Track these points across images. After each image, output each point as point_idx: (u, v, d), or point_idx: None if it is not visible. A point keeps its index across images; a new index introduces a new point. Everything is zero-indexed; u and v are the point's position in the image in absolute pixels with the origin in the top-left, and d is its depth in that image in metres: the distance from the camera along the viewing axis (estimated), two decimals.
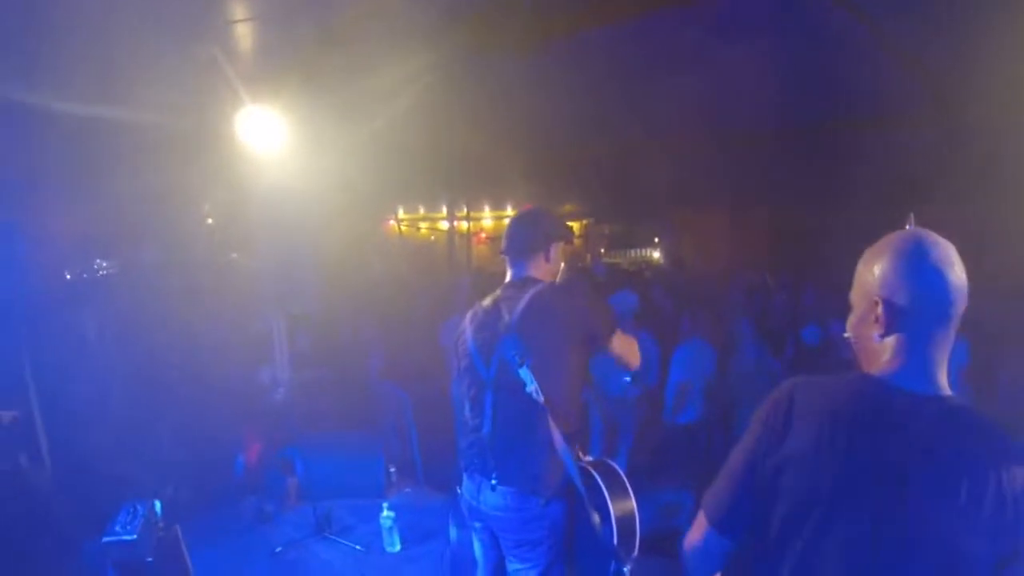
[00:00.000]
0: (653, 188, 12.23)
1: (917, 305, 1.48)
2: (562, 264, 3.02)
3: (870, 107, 7.66)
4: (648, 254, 17.36)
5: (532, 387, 2.58)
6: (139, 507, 3.73)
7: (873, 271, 1.55)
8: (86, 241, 6.75)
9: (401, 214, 15.14)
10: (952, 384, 1.52)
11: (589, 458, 2.84)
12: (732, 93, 7.45)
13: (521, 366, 2.62)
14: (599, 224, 18.02)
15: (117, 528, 3.59)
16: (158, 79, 5.05)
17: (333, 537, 5.17)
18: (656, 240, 17.11)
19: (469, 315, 2.95)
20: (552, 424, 2.55)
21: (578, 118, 8.58)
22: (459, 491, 2.97)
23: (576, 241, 17.30)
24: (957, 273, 1.48)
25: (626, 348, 2.87)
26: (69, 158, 5.50)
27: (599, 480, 2.63)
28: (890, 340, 1.52)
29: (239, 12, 5.10)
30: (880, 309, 1.51)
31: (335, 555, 5.02)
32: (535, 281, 2.84)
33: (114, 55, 4.61)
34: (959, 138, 6.81)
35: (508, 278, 2.94)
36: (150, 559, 3.57)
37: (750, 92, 7.32)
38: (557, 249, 2.96)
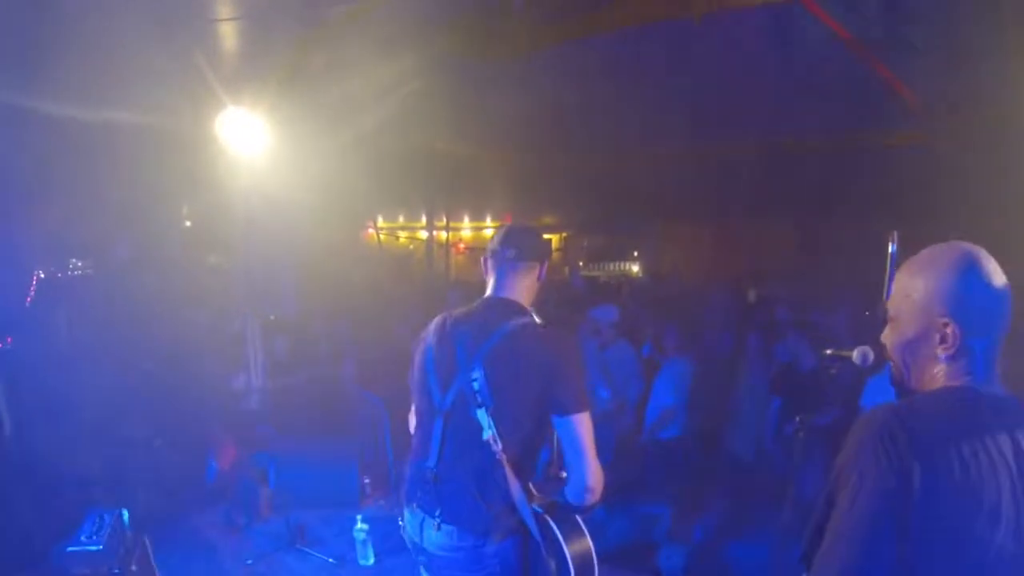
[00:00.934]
0: (633, 201, 12.28)
1: (986, 321, 1.47)
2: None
3: (855, 121, 7.71)
4: (627, 267, 17.37)
5: (490, 433, 2.36)
6: (106, 516, 3.61)
7: (930, 288, 1.50)
8: (61, 240, 6.63)
9: (380, 222, 15.03)
10: None
11: (540, 499, 2.51)
12: (714, 106, 7.49)
13: (480, 407, 2.38)
14: (578, 237, 18.03)
15: (82, 538, 3.47)
16: (137, 78, 4.99)
17: (306, 549, 5.06)
18: (635, 254, 17.14)
19: (435, 324, 2.65)
20: (509, 474, 2.36)
21: (559, 131, 8.59)
22: (400, 523, 2.68)
23: (554, 254, 17.42)
24: (1006, 283, 1.48)
25: (586, 437, 2.38)
26: (44, 156, 5.40)
27: (554, 526, 2.39)
28: (960, 356, 1.47)
29: (222, 11, 5.03)
30: (950, 329, 1.46)
31: (308, 568, 4.91)
32: (518, 309, 2.54)
33: (92, 53, 4.54)
34: (946, 152, 6.87)
35: (488, 291, 2.63)
36: (116, 571, 3.45)
37: (732, 105, 7.37)
38: (546, 271, 2.69)
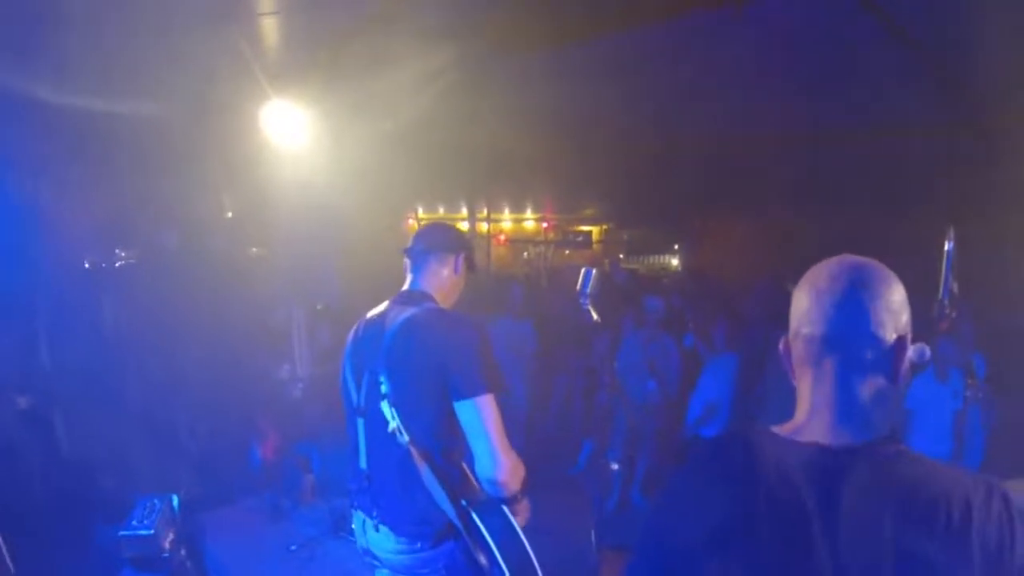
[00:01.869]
0: (674, 194, 12.17)
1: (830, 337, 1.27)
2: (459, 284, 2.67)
3: (901, 113, 7.54)
4: (667, 260, 17.26)
5: (394, 425, 2.30)
6: (156, 502, 3.67)
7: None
8: (106, 230, 6.75)
9: (421, 213, 15.10)
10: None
11: (473, 491, 2.36)
12: (757, 98, 7.38)
13: (383, 399, 2.33)
14: (618, 229, 17.95)
15: (134, 522, 3.54)
16: (184, 72, 5.05)
17: (349, 536, 5.10)
18: (675, 247, 17.01)
19: (355, 327, 2.63)
20: (420, 467, 2.27)
21: (601, 122, 8.53)
22: (352, 528, 2.64)
23: (595, 246, 17.35)
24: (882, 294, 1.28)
25: (488, 422, 2.24)
26: (91, 148, 5.50)
27: (478, 521, 2.28)
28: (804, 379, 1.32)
29: (266, 5, 5.08)
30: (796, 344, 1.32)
31: (350, 554, 4.94)
32: (420, 298, 2.50)
33: (140, 47, 4.60)
34: (989, 150, 6.70)
35: (404, 285, 2.62)
36: (166, 555, 3.52)
37: (776, 97, 7.25)
38: (463, 265, 2.63)
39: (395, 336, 2.35)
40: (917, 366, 2.32)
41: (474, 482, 2.36)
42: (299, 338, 6.42)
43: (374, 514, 2.44)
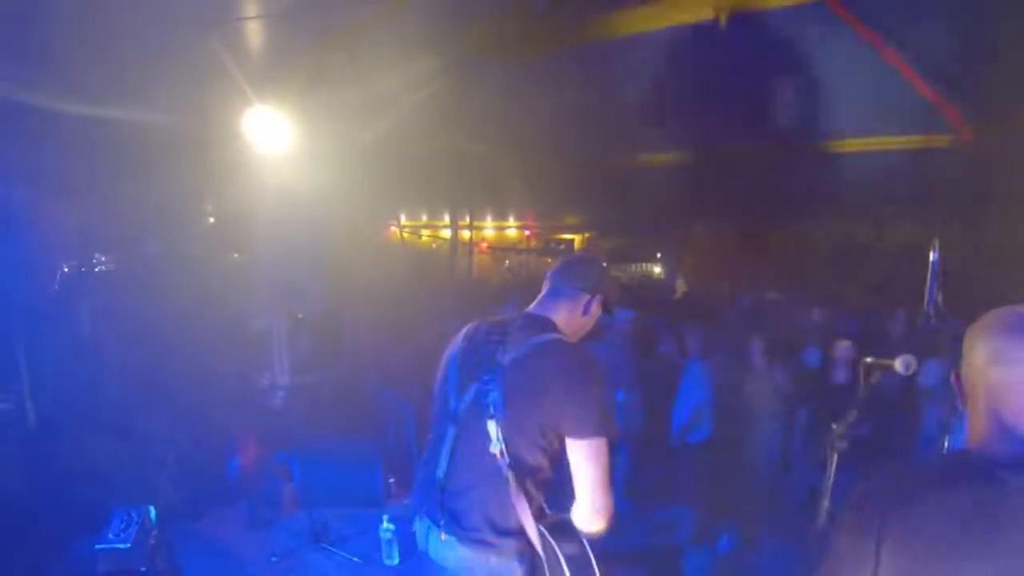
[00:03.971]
0: (656, 203, 12.21)
1: None
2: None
3: (881, 126, 7.62)
4: (649, 269, 17.31)
5: (498, 447, 2.32)
6: (133, 514, 3.61)
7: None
8: (85, 235, 6.68)
9: (403, 220, 15.07)
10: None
11: (552, 518, 2.42)
12: (736, 108, 7.42)
13: (491, 418, 2.34)
14: (600, 238, 17.98)
15: (110, 535, 3.47)
16: (163, 76, 5.01)
17: (330, 547, 5.04)
18: (658, 255, 17.07)
19: (467, 328, 2.66)
20: (514, 490, 2.30)
21: (582, 131, 8.55)
22: (414, 530, 2.68)
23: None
24: None
25: (595, 466, 2.28)
26: (71, 152, 5.43)
27: (555, 547, 2.29)
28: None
29: (248, 9, 5.05)
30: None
31: (332, 566, 4.88)
32: (550, 326, 2.51)
33: (117, 51, 4.56)
34: (976, 159, 6.76)
35: (532, 306, 2.65)
36: (144, 568, 3.45)
37: (755, 108, 7.30)
38: (597, 307, 2.65)
39: (519, 360, 2.38)
40: (904, 377, 2.33)
41: (547, 509, 2.41)
42: (279, 346, 6.37)
43: (442, 523, 2.44)
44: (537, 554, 2.33)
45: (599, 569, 2.32)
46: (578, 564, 2.28)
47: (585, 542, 2.34)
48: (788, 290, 10.05)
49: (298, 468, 5.57)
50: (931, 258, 2.65)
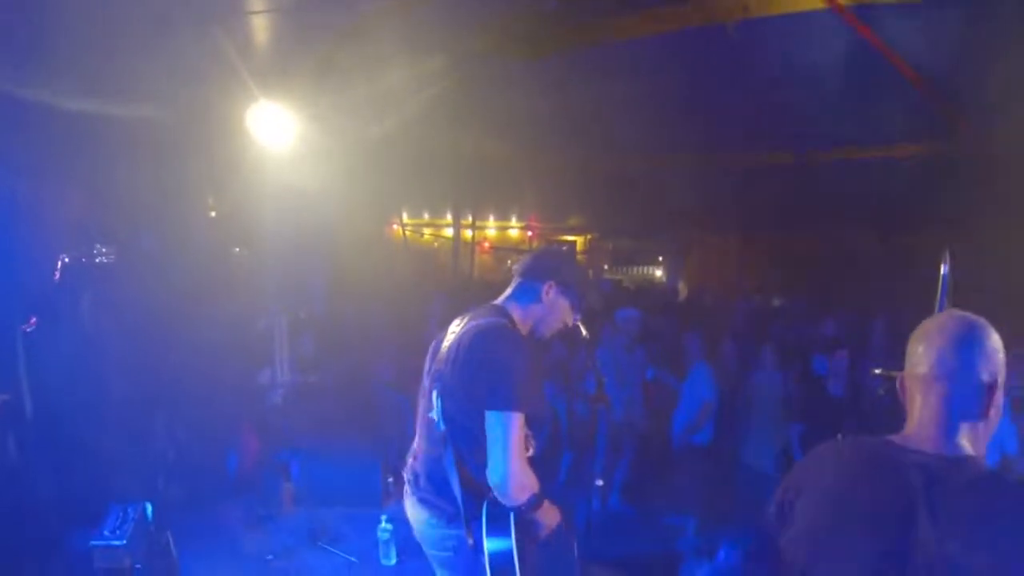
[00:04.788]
0: (660, 206, 12.20)
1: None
2: (560, 325, 2.78)
3: (883, 135, 7.59)
4: (651, 272, 17.31)
5: (435, 412, 2.53)
6: (129, 510, 3.57)
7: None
8: (87, 227, 6.66)
9: (405, 219, 15.04)
10: None
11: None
12: (742, 115, 7.41)
13: (434, 389, 2.56)
14: (603, 240, 17.97)
15: (106, 532, 3.44)
16: (168, 70, 4.98)
17: (327, 547, 5.02)
18: (660, 259, 17.07)
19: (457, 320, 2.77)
20: (449, 456, 2.48)
21: (587, 132, 8.54)
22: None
23: (579, 256, 17.36)
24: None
25: (507, 437, 2.37)
26: (74, 146, 5.42)
27: (483, 520, 2.44)
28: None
29: (255, 4, 5.02)
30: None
31: (329, 565, 4.86)
32: (501, 314, 2.65)
33: (122, 45, 4.54)
34: (974, 167, 6.73)
35: (498, 298, 2.79)
36: (139, 565, 3.42)
37: (760, 115, 7.28)
38: (555, 294, 2.71)
39: (460, 338, 2.54)
40: None
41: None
42: (281, 344, 6.34)
43: (411, 485, 2.69)
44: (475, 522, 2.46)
45: (517, 554, 2.42)
46: (495, 537, 2.43)
47: (512, 521, 2.43)
48: (790, 295, 10.02)
49: (297, 467, 5.56)
50: (942, 270, 2.61)
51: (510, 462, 2.36)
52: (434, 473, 2.57)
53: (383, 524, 4.81)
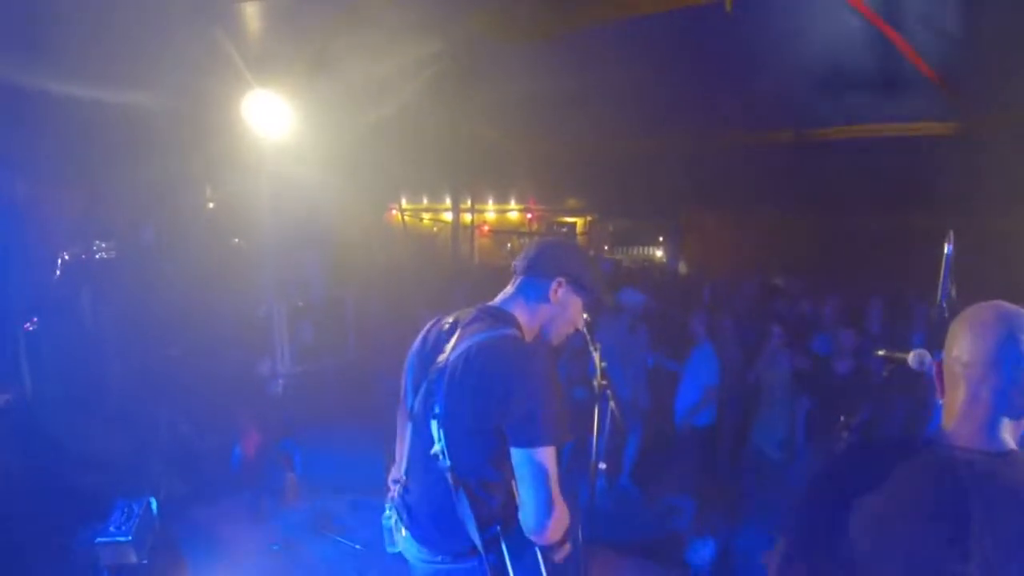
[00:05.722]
0: (659, 186, 12.14)
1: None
2: (571, 328, 2.46)
3: (885, 112, 7.53)
4: (651, 252, 17.27)
5: (438, 447, 2.16)
6: (134, 506, 3.58)
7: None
8: (85, 222, 6.63)
9: (404, 204, 14.97)
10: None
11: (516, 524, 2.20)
12: (741, 94, 7.34)
13: (434, 418, 2.18)
14: (602, 221, 17.90)
15: (111, 528, 3.44)
16: (163, 60, 4.94)
17: (332, 535, 5.04)
18: (660, 239, 17.02)
19: (428, 323, 2.44)
20: (455, 491, 2.15)
21: (585, 114, 8.48)
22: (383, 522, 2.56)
23: (579, 238, 17.32)
24: None
25: (540, 476, 2.06)
26: (71, 139, 5.38)
27: (506, 554, 2.17)
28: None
29: None
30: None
31: (333, 554, 4.89)
32: (505, 320, 2.27)
33: (116, 35, 4.49)
34: (974, 145, 6.69)
35: (495, 299, 2.41)
36: (145, 561, 3.43)
37: (759, 94, 7.22)
38: (564, 293, 2.35)
39: (460, 357, 2.16)
40: (918, 373, 2.29)
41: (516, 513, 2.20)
42: (281, 334, 6.33)
43: (404, 519, 2.38)
44: (497, 560, 2.19)
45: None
46: (526, 572, 2.17)
47: (539, 555, 2.18)
48: (793, 276, 9.99)
49: (300, 457, 5.57)
50: (946, 250, 2.59)
51: (548, 504, 2.06)
52: (440, 514, 2.25)
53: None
